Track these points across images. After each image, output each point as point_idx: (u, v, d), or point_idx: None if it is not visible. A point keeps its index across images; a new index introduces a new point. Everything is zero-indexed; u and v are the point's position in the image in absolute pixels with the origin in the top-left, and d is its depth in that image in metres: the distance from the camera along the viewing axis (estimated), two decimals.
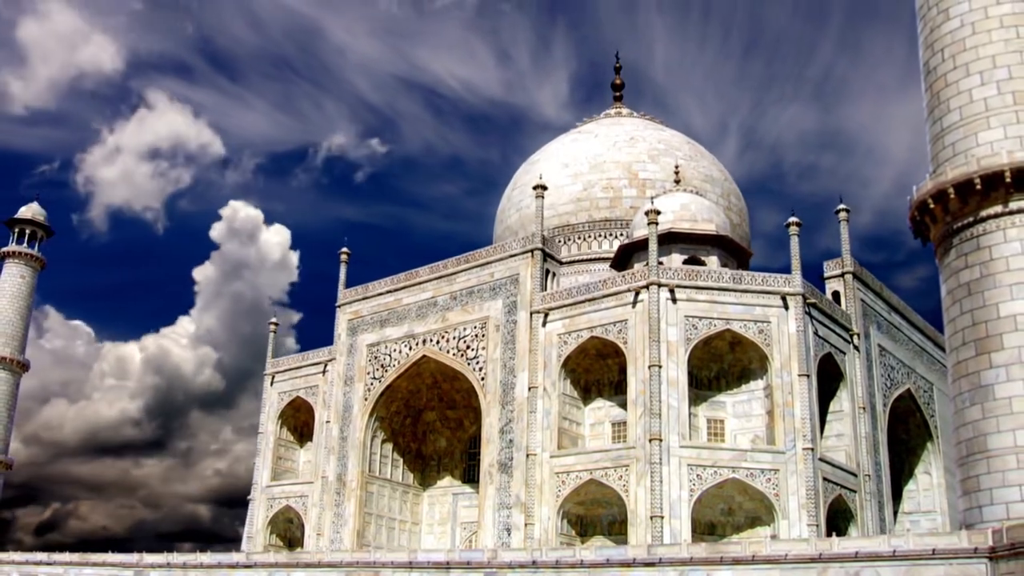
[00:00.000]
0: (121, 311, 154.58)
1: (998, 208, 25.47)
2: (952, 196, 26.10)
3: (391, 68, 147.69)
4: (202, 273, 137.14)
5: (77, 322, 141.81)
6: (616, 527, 40.47)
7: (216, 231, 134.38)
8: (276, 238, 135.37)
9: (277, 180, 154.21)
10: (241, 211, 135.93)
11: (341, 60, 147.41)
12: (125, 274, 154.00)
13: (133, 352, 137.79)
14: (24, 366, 71.20)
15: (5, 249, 72.95)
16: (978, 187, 25.48)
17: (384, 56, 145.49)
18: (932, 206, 26.87)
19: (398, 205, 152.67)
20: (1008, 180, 25.01)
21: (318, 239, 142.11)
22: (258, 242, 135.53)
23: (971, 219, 26.03)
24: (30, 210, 74.62)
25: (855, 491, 40.88)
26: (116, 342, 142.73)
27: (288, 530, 53.42)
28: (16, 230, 73.68)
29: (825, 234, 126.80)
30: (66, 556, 49.23)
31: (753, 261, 51.70)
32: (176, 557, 44.15)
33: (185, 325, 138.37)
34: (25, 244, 73.49)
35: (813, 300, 41.12)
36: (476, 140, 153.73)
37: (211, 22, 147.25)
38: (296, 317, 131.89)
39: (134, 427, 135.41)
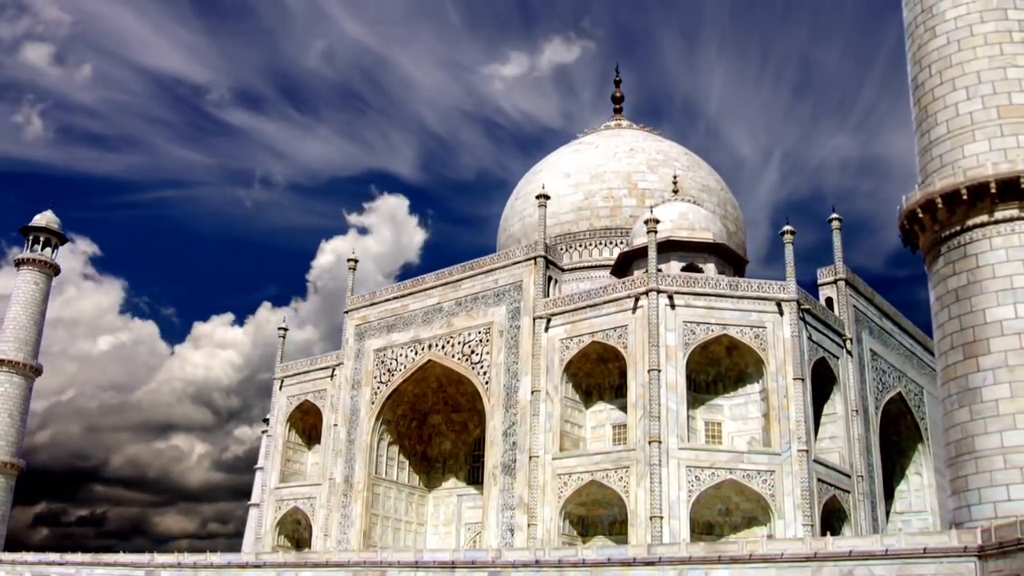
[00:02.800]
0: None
1: (984, 217, 26.06)
2: (940, 206, 26.70)
3: (455, 100, 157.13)
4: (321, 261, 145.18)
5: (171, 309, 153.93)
6: (617, 527, 40.84)
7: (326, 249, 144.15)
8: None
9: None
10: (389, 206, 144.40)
11: (408, 92, 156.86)
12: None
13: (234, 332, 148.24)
14: (37, 370, 71.57)
15: (20, 256, 73.42)
16: (965, 197, 26.08)
17: (449, 88, 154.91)
18: (921, 215, 27.44)
19: (450, 223, 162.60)
20: (993, 191, 25.63)
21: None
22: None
23: (958, 228, 26.62)
24: (44, 218, 75.11)
25: (848, 491, 41.35)
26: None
27: (296, 531, 53.75)
28: (30, 237, 74.20)
29: (857, 250, 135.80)
30: (78, 556, 49.66)
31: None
32: (186, 557, 44.54)
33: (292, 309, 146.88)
34: (39, 251, 73.99)
35: (807, 306, 41.58)
36: (527, 163, 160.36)
37: (284, 53, 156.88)
38: None
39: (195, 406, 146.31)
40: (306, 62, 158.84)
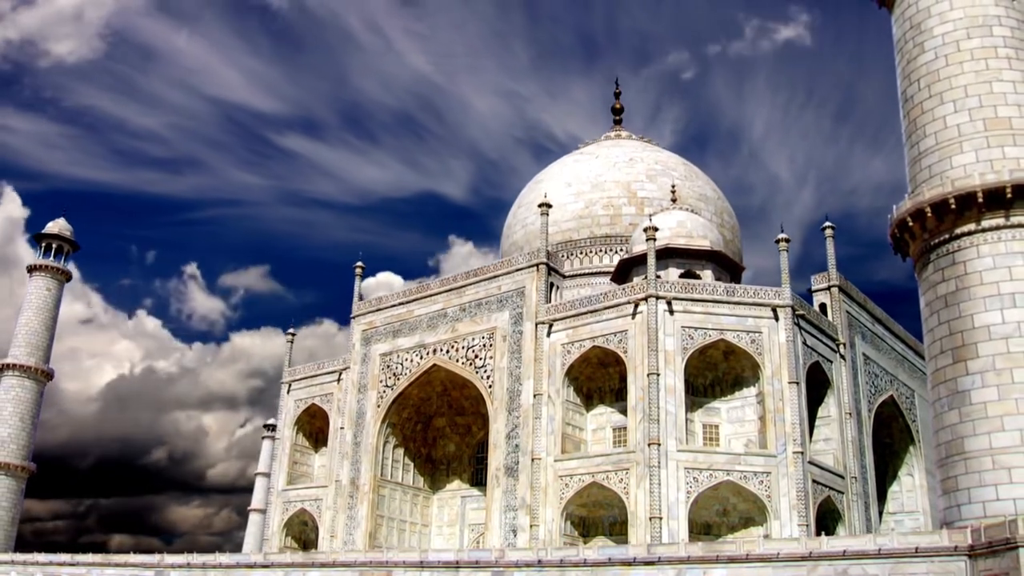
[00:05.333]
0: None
1: (971, 226, 26.96)
2: (929, 215, 27.59)
3: (509, 127, 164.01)
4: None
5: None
6: (617, 528, 41.46)
7: None
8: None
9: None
10: None
11: (464, 118, 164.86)
12: None
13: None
14: (48, 375, 72.15)
15: (33, 262, 74.12)
16: (953, 206, 26.98)
17: (504, 114, 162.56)
18: (911, 224, 28.33)
19: (496, 241, 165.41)
20: (980, 200, 26.53)
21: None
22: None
23: (947, 236, 27.49)
24: (57, 225, 75.74)
25: (842, 492, 42.02)
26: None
27: (303, 532, 54.36)
28: (43, 244, 74.88)
29: (884, 265, 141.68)
30: (88, 557, 50.09)
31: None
32: (196, 557, 44.97)
33: None
34: (52, 258, 74.61)
35: (802, 312, 42.38)
36: None
37: (349, 84, 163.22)
38: None
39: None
40: (370, 92, 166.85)
